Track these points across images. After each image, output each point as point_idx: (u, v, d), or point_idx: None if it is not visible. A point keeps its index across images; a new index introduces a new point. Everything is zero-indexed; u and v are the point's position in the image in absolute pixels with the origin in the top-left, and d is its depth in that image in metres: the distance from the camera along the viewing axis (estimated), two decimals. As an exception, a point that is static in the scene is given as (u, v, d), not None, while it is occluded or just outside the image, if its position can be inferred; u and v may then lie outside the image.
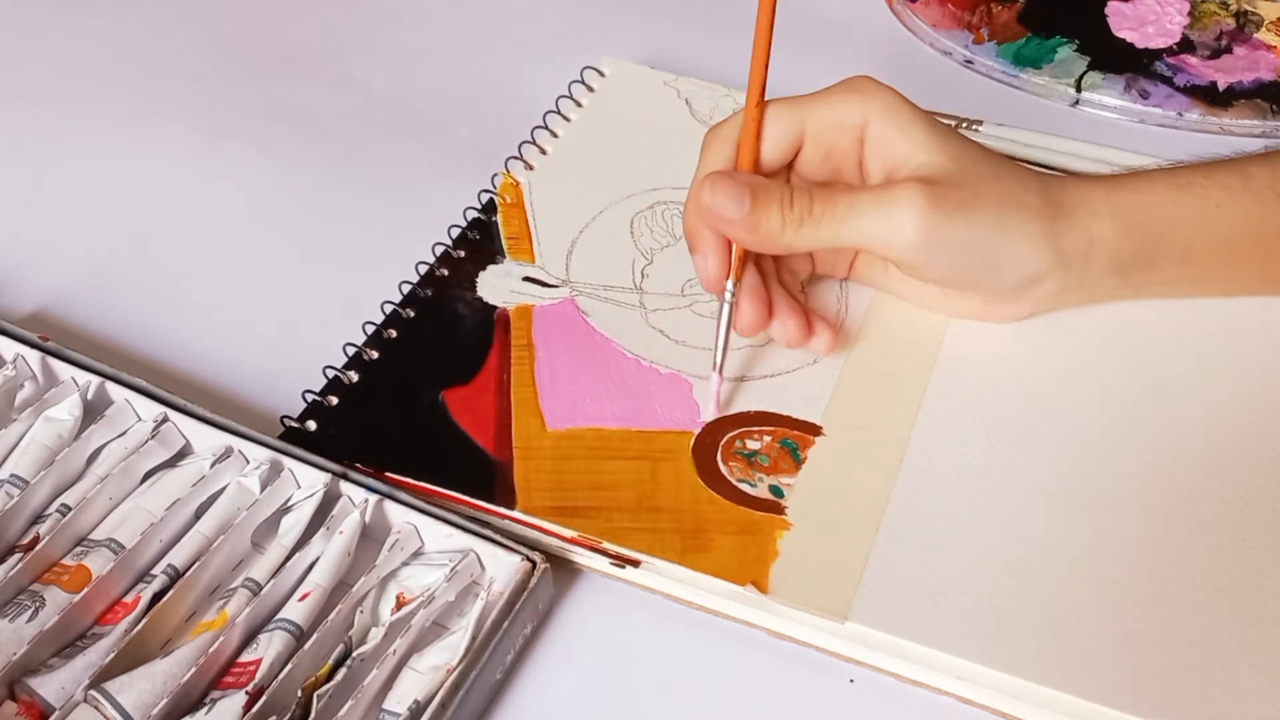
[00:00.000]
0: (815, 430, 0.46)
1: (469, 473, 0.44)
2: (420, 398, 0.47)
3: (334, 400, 0.47)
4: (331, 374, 0.47)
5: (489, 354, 0.48)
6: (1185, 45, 0.64)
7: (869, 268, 0.50)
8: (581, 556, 0.43)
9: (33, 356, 0.46)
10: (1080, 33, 0.64)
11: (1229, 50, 0.63)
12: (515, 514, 0.43)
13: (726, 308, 0.45)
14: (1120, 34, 0.64)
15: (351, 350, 0.48)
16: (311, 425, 0.46)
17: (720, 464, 0.44)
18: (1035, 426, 0.45)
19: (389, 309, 0.49)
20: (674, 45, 0.64)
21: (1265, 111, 0.60)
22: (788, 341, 0.47)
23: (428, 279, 0.51)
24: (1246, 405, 0.46)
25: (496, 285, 0.51)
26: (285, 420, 0.46)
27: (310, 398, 0.47)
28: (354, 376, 0.47)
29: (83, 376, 0.46)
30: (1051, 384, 0.47)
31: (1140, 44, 0.64)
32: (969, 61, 0.64)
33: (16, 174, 0.57)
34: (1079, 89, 0.61)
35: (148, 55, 0.64)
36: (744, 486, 0.44)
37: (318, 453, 0.44)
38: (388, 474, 0.44)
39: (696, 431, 0.45)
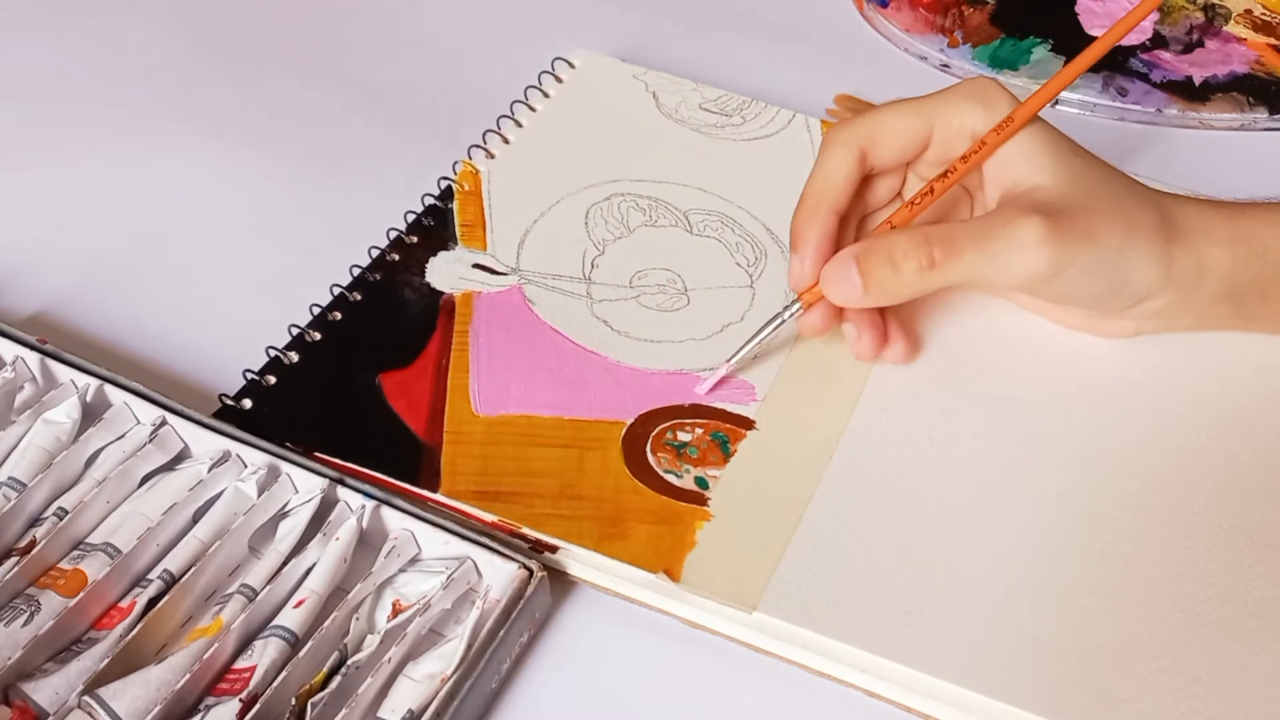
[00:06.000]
0: (748, 424, 0.46)
1: (397, 455, 0.45)
2: (358, 380, 0.47)
3: (271, 380, 0.47)
4: (273, 354, 0.48)
5: (430, 339, 0.49)
6: (1158, 41, 0.64)
7: None
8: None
9: (32, 359, 0.46)
10: (1053, 32, 0.64)
11: (1200, 44, 0.64)
12: (438, 496, 0.43)
13: (788, 313, 0.46)
14: (1092, 32, 0.64)
15: (295, 331, 0.49)
16: (247, 404, 0.46)
17: (649, 454, 0.45)
18: (965, 431, 0.46)
19: (336, 291, 0.50)
20: (650, 38, 0.64)
21: (1243, 104, 0.61)
22: (858, 351, 0.47)
23: (377, 263, 0.51)
24: (1176, 411, 0.47)
25: (445, 271, 0.51)
26: (223, 398, 0.46)
27: (250, 376, 0.47)
28: (294, 357, 0.48)
29: (81, 379, 0.46)
30: (982, 388, 0.47)
31: (1114, 42, 0.64)
32: (945, 65, 0.64)
33: (16, 174, 0.57)
34: (1057, 89, 0.62)
35: (147, 55, 0.63)
36: (670, 477, 0.44)
37: (254, 432, 0.44)
38: (318, 454, 0.44)
39: (629, 422, 0.46)
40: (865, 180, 0.47)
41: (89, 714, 0.37)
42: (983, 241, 0.43)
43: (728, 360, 0.46)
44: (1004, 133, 0.44)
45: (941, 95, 0.46)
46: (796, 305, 0.46)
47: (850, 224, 0.48)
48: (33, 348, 0.46)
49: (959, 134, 0.45)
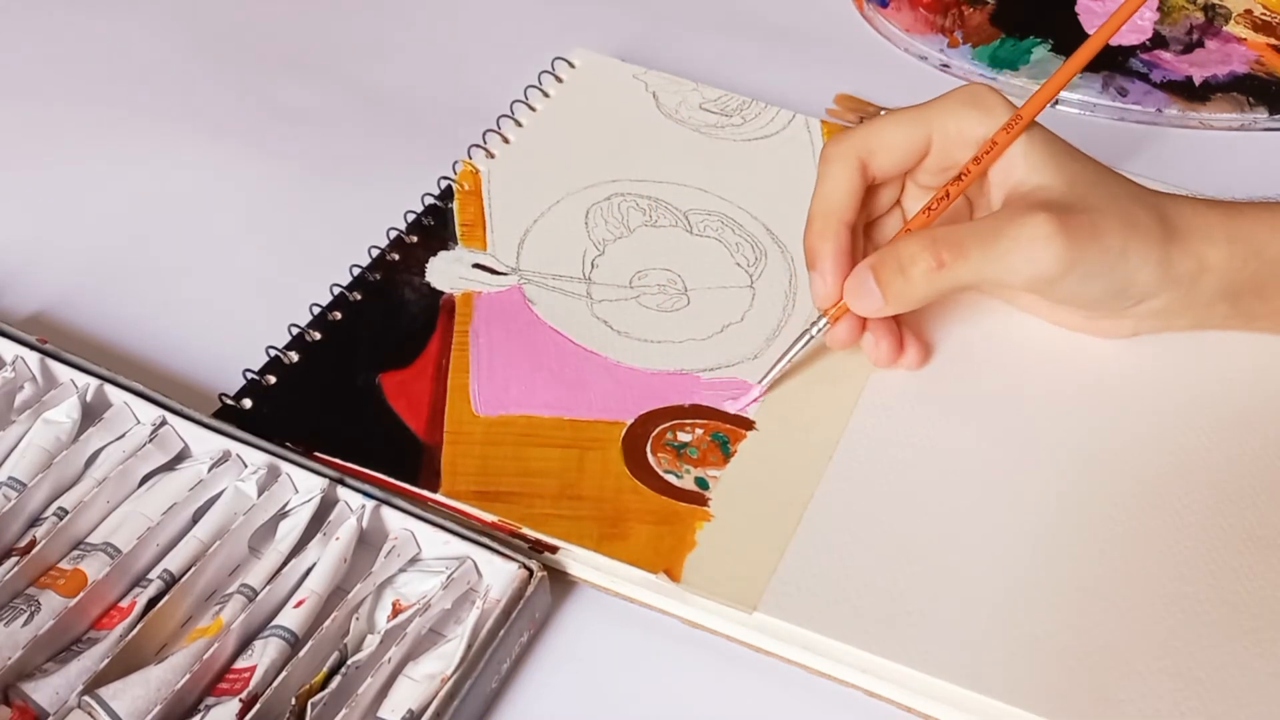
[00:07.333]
0: (748, 425, 0.46)
1: (397, 455, 0.45)
2: (357, 380, 0.47)
3: (271, 379, 0.47)
4: (273, 353, 0.48)
5: (430, 339, 0.49)
6: (1158, 41, 0.64)
7: None
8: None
9: (32, 358, 0.46)
10: (1053, 32, 0.64)
11: (1200, 44, 0.64)
12: (438, 497, 0.43)
13: (815, 329, 0.46)
14: (1092, 32, 0.64)
15: (295, 331, 0.49)
16: (247, 403, 0.46)
17: (649, 454, 0.45)
18: (965, 431, 0.46)
19: (337, 291, 0.50)
20: (650, 38, 0.65)
21: (1243, 104, 0.61)
22: (876, 359, 0.47)
23: (377, 263, 0.51)
24: (1176, 411, 0.47)
25: (445, 271, 0.51)
26: (223, 398, 0.46)
27: (250, 376, 0.47)
28: (294, 357, 0.48)
29: (81, 379, 0.46)
30: (982, 388, 0.47)
31: (1113, 41, 0.64)
32: (945, 65, 0.64)
33: (16, 174, 0.57)
34: (1057, 89, 0.62)
35: (147, 55, 0.63)
36: (670, 477, 0.44)
37: (254, 432, 0.44)
38: (318, 454, 0.44)
39: (629, 422, 0.46)
40: (867, 190, 0.47)
41: (89, 714, 0.37)
42: (989, 240, 0.43)
43: (759, 381, 0.47)
44: (1013, 131, 0.44)
45: (937, 103, 0.46)
46: (823, 321, 0.46)
47: (856, 234, 0.48)
48: (33, 348, 0.46)
49: (957, 141, 0.45)
